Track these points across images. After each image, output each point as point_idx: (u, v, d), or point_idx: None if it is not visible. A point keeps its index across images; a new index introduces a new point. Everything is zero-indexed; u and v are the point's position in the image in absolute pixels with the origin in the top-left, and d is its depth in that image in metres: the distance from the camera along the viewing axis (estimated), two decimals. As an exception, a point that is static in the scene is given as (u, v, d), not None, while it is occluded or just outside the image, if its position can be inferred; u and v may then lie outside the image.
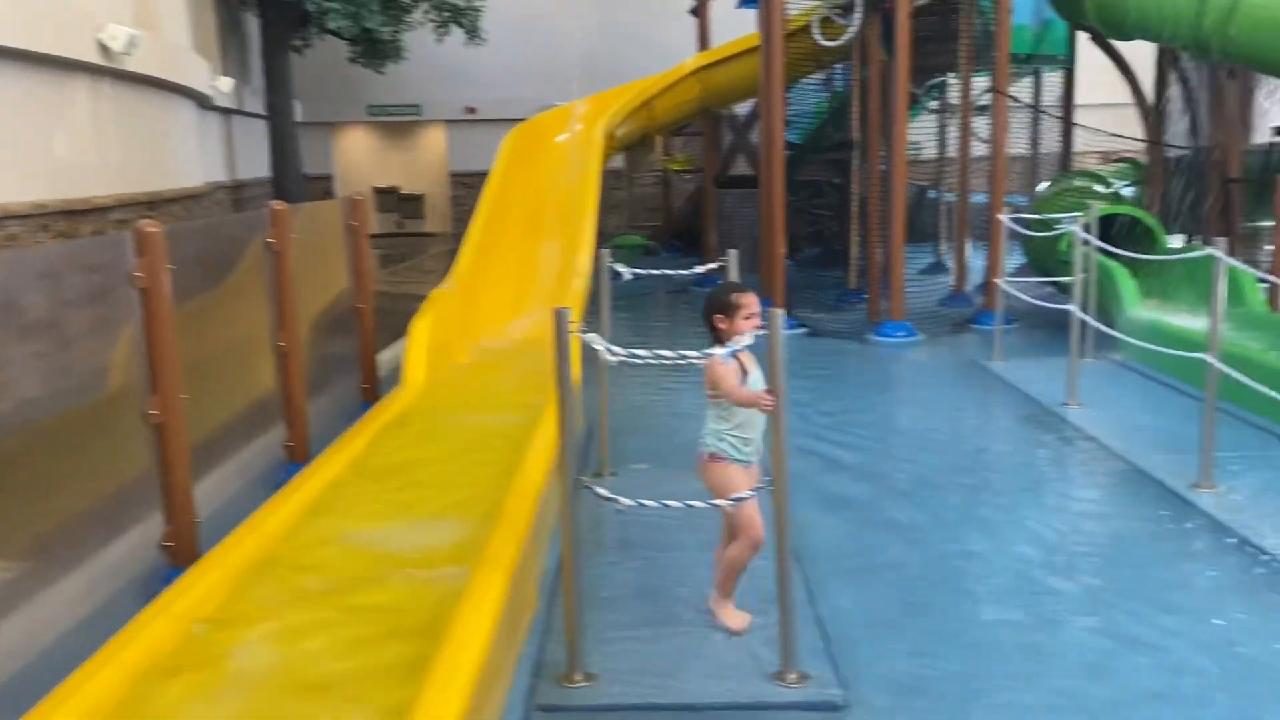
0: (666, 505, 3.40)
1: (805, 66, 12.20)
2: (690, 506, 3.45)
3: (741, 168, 15.53)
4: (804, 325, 10.43)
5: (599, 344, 3.32)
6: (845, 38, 10.16)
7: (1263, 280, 8.08)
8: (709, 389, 3.57)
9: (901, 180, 9.82)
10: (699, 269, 5.81)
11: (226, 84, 14.44)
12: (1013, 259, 12.89)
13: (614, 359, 3.28)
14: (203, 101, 13.30)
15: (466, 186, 21.14)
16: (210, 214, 12.79)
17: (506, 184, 10.62)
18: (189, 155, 12.18)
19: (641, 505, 3.39)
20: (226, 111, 15.86)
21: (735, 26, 14.96)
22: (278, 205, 5.62)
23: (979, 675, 3.53)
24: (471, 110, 21.42)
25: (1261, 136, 11.01)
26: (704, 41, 15.09)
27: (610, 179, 18.73)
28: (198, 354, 4.60)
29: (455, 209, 21.94)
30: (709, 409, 3.64)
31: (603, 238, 16.93)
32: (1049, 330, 9.38)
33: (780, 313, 3.31)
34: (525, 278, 9.11)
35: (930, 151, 15.35)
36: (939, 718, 3.27)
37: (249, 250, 5.35)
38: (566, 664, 3.48)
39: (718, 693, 3.36)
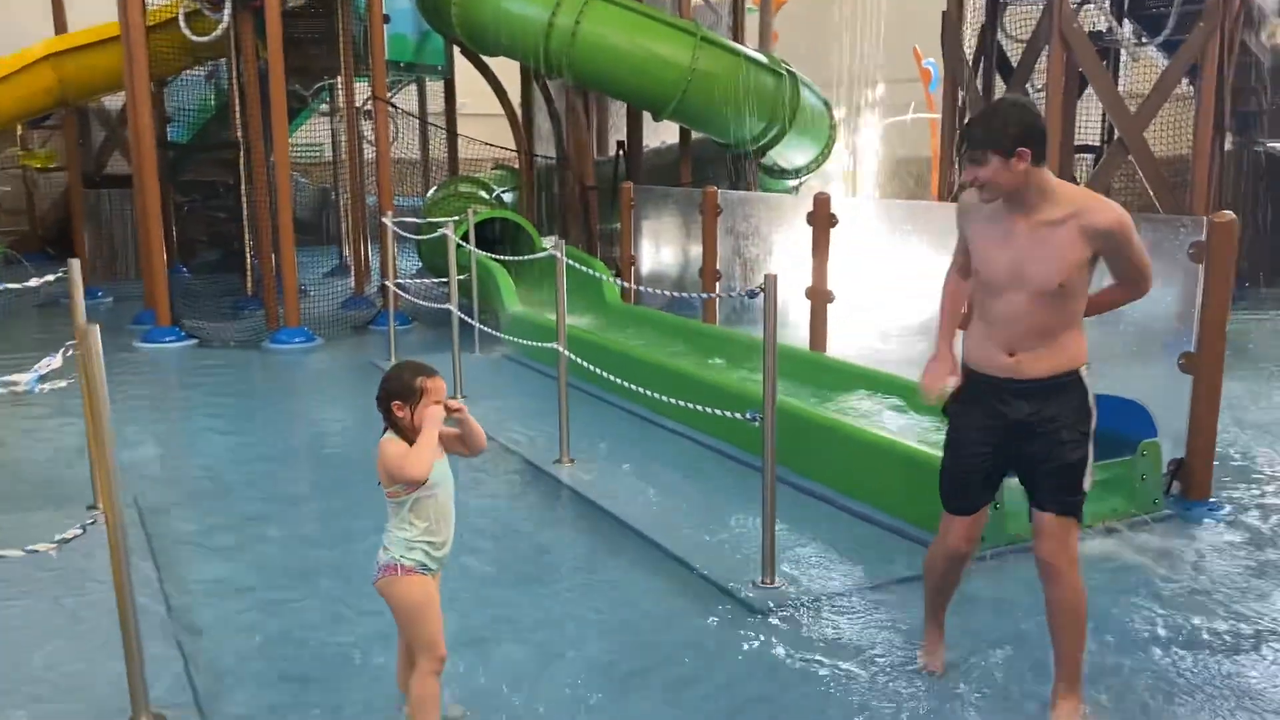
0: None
1: (182, 60, 11.43)
2: None
3: (121, 165, 14.14)
4: (194, 336, 9.80)
5: None
6: (215, 34, 9.68)
7: (614, 280, 9.24)
8: (384, 484, 2.97)
9: (286, 183, 9.63)
10: (34, 281, 5.12)
11: None
12: (414, 260, 13.40)
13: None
14: None
15: None
16: None
17: None
18: None
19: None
20: None
21: (104, 9, 13.52)
22: None
23: (344, 682, 3.57)
24: None
25: (610, 150, 12.63)
26: (60, 24, 13.43)
27: (-43, 177, 15.98)
28: None
29: None
30: (390, 511, 3.01)
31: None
32: (443, 329, 9.84)
33: (95, 331, 3.01)
34: None
35: (330, 153, 15.28)
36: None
37: None
38: None
39: (50, 760, 3.00)
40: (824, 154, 12.21)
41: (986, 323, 3.15)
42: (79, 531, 3.03)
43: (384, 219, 8.97)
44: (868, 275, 7.50)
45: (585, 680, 3.54)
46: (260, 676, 3.57)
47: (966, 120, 3.03)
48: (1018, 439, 3.14)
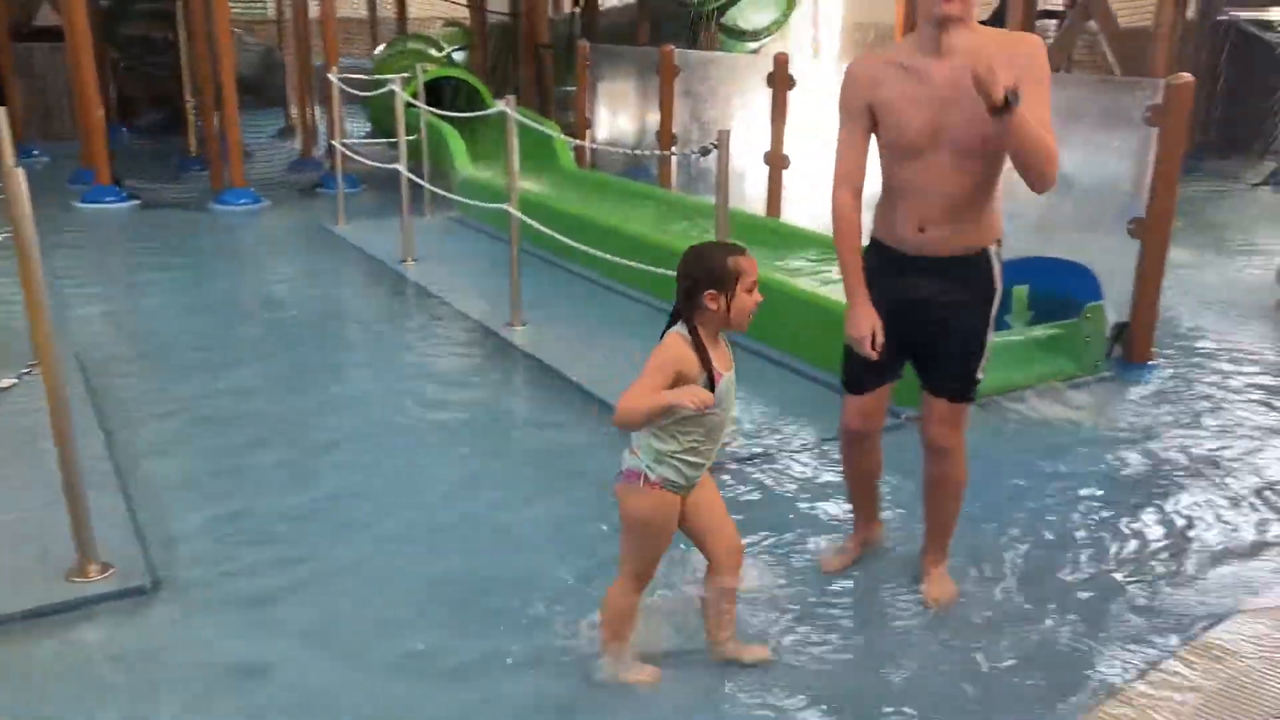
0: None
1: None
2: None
3: (51, 17, 13.45)
4: (136, 197, 9.51)
5: None
6: None
7: (566, 138, 9.03)
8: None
9: (226, 38, 9.20)
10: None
11: None
12: (363, 123, 13.01)
13: None
14: None
15: None
16: None
17: None
18: None
19: None
20: None
21: None
22: None
23: (298, 539, 3.59)
24: None
25: (566, 7, 12.19)
26: None
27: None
28: None
29: None
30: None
31: None
32: (393, 192, 9.62)
33: (20, 174, 2.89)
34: None
35: (273, 10, 14.67)
36: (250, 581, 3.26)
37: None
38: None
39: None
40: (786, 14, 11.90)
41: (897, 194, 2.86)
42: (14, 381, 2.97)
43: (330, 74, 8.65)
44: (829, 140, 7.40)
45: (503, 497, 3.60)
46: (210, 529, 3.58)
47: None
48: (915, 319, 2.89)
